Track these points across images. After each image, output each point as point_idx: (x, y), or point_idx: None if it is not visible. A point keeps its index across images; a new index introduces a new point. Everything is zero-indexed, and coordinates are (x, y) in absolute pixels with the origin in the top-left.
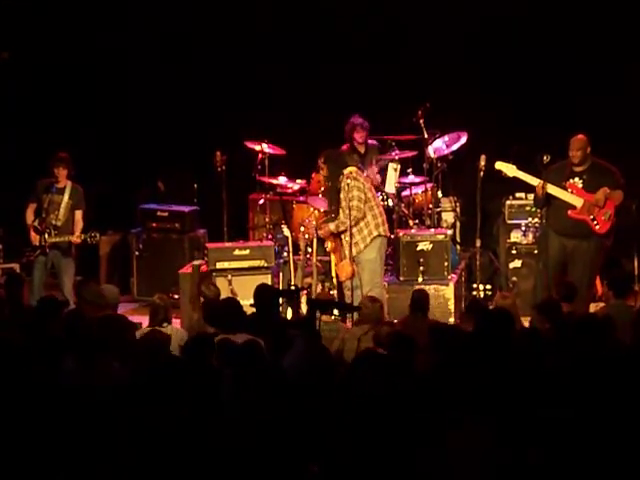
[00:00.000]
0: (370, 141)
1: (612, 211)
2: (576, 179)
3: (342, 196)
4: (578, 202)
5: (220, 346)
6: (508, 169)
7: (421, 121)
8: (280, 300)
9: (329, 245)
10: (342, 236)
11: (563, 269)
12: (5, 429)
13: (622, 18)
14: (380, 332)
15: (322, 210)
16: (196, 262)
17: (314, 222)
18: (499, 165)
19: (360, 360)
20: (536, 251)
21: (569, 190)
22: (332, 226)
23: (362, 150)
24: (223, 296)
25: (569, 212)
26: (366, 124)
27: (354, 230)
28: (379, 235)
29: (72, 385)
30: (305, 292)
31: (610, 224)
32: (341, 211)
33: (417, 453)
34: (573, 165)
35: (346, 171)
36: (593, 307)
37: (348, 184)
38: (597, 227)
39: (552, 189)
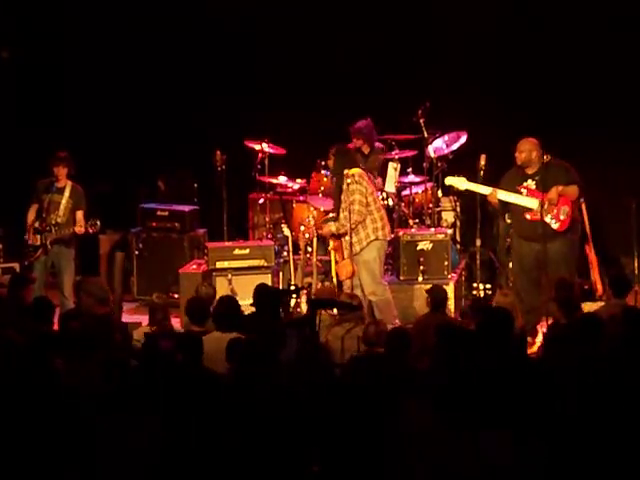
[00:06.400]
0: (375, 143)
1: (569, 207)
2: (529, 181)
3: (343, 197)
4: (533, 204)
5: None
6: (459, 183)
7: (421, 120)
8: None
9: (331, 244)
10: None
11: (543, 270)
12: (4, 429)
13: (622, 18)
14: (368, 331)
15: (322, 209)
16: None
17: (314, 220)
18: (449, 180)
19: (358, 360)
20: None
21: (523, 192)
22: (333, 227)
23: (366, 151)
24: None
25: (527, 216)
26: (365, 131)
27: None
28: (377, 239)
29: (66, 384)
30: (305, 292)
31: (569, 220)
32: (342, 213)
33: (417, 453)
34: (524, 168)
35: (350, 172)
36: (594, 306)
37: (349, 185)
38: (556, 226)
39: (504, 195)
